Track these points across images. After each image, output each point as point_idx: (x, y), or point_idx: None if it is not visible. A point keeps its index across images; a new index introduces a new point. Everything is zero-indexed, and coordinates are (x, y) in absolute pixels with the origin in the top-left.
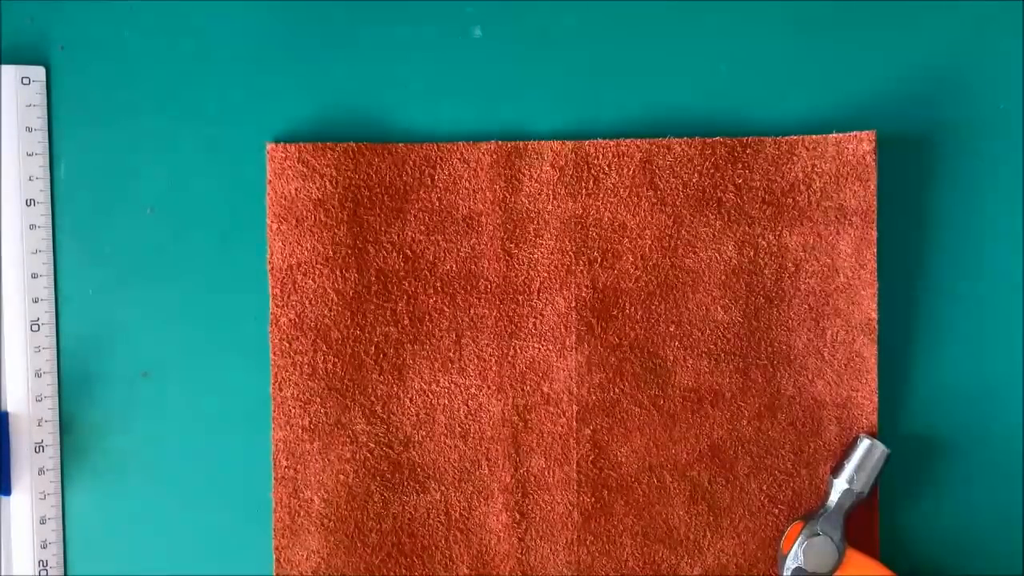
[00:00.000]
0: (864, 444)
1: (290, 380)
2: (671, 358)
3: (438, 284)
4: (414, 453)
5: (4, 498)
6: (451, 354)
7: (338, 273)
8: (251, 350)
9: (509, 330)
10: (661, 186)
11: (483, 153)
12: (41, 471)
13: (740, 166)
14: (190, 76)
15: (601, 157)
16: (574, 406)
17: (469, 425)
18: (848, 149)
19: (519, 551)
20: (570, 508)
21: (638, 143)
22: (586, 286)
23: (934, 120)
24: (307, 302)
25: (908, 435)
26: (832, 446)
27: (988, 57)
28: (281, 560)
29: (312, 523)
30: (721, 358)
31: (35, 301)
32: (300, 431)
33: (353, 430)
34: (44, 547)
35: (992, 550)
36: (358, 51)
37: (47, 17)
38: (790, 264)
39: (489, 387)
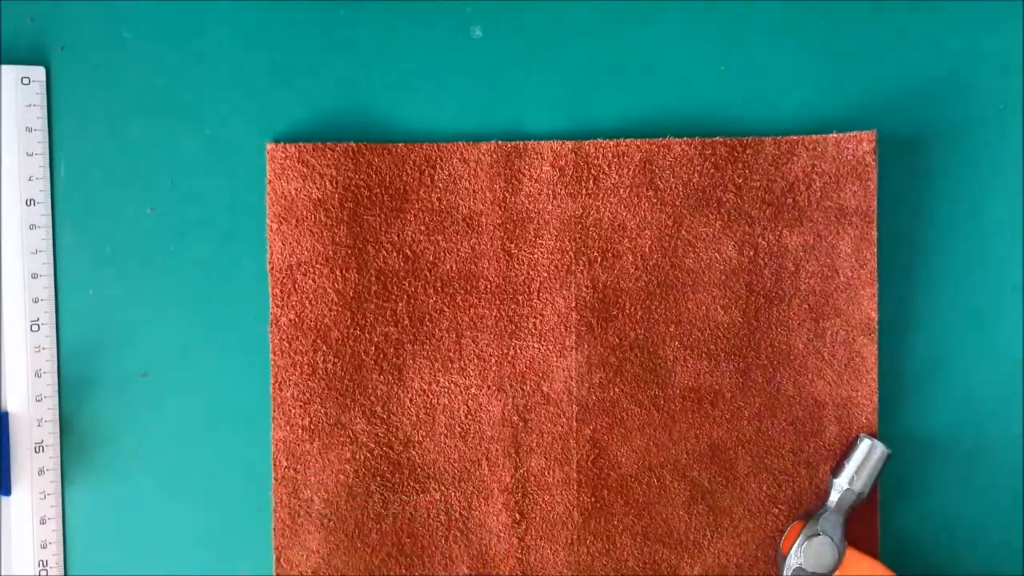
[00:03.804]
0: (864, 444)
1: (290, 380)
2: (671, 358)
3: (438, 284)
4: (414, 453)
5: (4, 498)
6: (451, 354)
7: (338, 273)
8: (251, 350)
9: (509, 330)
10: (661, 186)
11: (483, 153)
12: (41, 471)
13: (740, 166)
14: (190, 76)
15: (601, 157)
16: (574, 406)
17: (469, 425)
18: (848, 149)
19: (519, 551)
20: (570, 508)
21: (638, 143)
22: (586, 286)
23: (934, 120)
24: (307, 302)
25: (908, 435)
26: (832, 446)
27: (988, 57)
28: (281, 560)
29: (312, 523)
30: (721, 358)
31: (35, 301)
32: (300, 431)
33: (353, 430)
34: (44, 547)
35: (992, 550)
36: (358, 51)
37: (47, 17)
38: (790, 264)
39: (489, 387)
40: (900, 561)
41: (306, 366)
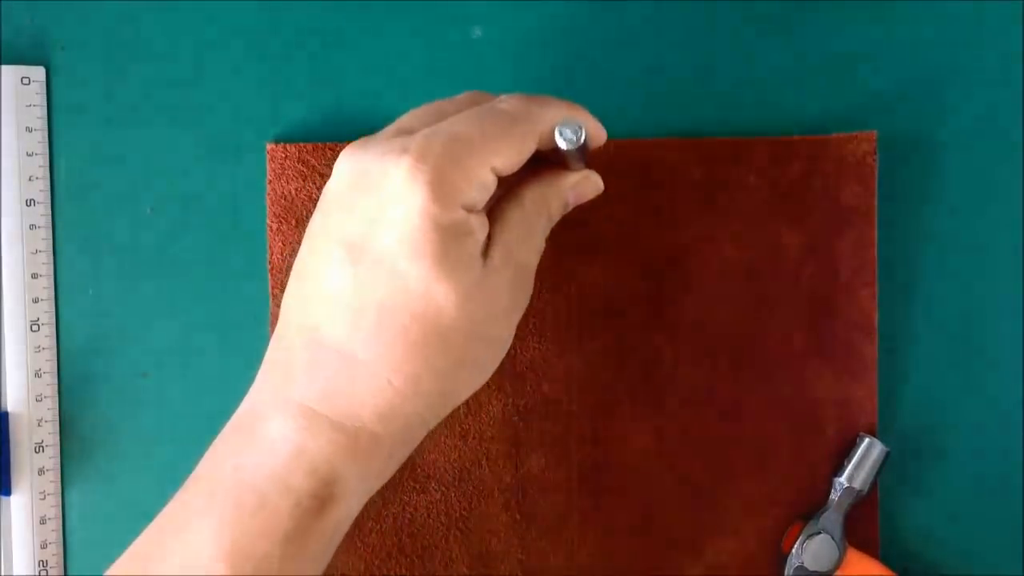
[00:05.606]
0: (864, 443)
1: None
2: (671, 358)
3: None
4: (414, 453)
5: (4, 498)
6: None
7: None
8: (251, 350)
9: None
10: (661, 186)
11: None
12: (41, 471)
13: (740, 166)
14: (190, 76)
15: (601, 157)
16: (574, 406)
17: (469, 425)
18: (848, 149)
19: (519, 551)
20: (570, 508)
21: (638, 143)
22: (586, 286)
23: (934, 120)
24: None
25: (908, 434)
26: (832, 446)
27: (988, 57)
28: None
29: None
30: (721, 358)
31: (35, 301)
32: None
33: None
34: (44, 547)
35: (992, 550)
36: (357, 51)
37: (47, 17)
38: (790, 264)
39: (489, 387)
40: (900, 561)
41: None
